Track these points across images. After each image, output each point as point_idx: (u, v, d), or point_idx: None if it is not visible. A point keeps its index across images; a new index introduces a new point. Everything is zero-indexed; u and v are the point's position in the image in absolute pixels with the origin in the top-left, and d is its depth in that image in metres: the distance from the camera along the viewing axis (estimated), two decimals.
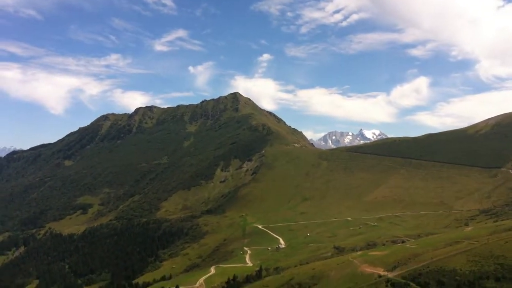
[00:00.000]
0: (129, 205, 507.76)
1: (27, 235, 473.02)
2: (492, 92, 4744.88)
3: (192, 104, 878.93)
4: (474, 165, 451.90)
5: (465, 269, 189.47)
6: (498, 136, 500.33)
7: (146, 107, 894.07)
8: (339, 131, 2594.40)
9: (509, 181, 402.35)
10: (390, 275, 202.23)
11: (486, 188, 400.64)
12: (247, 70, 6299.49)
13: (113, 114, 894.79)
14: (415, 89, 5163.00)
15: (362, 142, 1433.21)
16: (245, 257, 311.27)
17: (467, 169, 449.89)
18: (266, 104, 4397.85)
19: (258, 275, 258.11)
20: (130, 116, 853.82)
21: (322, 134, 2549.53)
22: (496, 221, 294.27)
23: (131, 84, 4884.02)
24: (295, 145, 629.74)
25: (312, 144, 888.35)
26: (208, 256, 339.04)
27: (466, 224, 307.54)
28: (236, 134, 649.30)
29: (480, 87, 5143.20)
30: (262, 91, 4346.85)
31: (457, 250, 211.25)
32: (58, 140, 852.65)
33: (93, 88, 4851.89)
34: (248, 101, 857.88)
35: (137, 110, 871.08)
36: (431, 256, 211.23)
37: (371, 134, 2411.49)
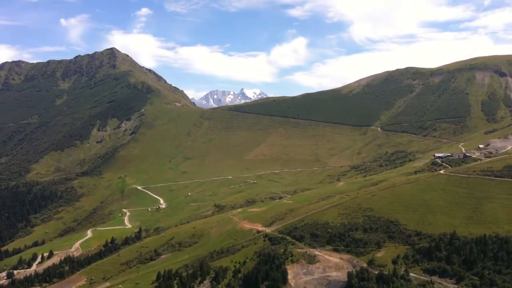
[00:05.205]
0: None
1: None
2: (364, 54, 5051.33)
3: (65, 60, 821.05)
4: (346, 123, 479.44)
5: (337, 222, 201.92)
6: (368, 96, 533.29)
7: (13, 62, 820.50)
8: (221, 90, 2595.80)
9: (377, 138, 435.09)
10: (268, 230, 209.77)
11: (357, 145, 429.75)
12: (125, 25, 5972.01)
13: None
14: (293, 49, 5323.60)
15: (243, 101, 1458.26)
16: (123, 219, 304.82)
17: (340, 127, 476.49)
18: (146, 61, 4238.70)
19: (138, 236, 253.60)
20: None
21: (204, 93, 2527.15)
22: (365, 176, 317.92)
23: None
24: (176, 104, 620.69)
25: (193, 103, 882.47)
26: (84, 219, 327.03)
27: (338, 180, 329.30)
28: (114, 92, 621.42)
29: (353, 48, 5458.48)
30: (141, 47, 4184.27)
31: (330, 204, 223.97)
32: None
33: None
34: (126, 58, 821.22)
35: (3, 65, 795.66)
36: (306, 210, 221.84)
37: (252, 93, 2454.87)
